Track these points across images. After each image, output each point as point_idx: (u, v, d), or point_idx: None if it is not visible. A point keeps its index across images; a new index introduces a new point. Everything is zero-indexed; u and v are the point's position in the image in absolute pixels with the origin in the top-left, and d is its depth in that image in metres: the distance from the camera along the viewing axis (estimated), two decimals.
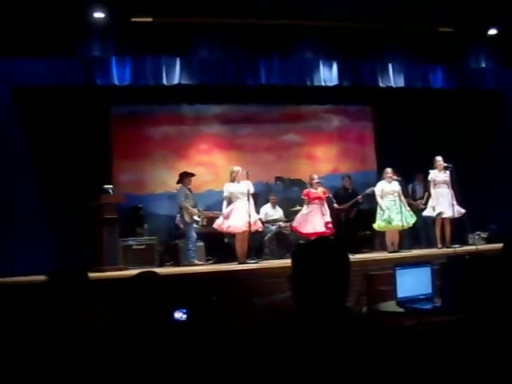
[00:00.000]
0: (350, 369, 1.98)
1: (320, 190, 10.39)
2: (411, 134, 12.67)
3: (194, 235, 10.23)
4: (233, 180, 9.54)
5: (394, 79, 11.29)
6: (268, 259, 10.31)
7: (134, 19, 9.66)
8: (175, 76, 10.26)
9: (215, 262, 10.63)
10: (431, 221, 10.77)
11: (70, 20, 9.28)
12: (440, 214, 10.31)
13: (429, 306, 4.67)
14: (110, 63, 10.01)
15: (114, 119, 11.99)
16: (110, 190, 9.70)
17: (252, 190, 9.56)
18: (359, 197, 11.23)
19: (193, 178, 10.58)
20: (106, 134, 11.72)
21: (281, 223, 11.31)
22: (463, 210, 10.23)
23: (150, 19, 9.73)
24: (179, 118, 12.63)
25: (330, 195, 10.73)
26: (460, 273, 4.28)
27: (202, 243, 10.69)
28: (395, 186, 10.30)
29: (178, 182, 10.55)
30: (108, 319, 2.99)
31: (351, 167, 13.22)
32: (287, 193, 12.44)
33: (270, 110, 13.05)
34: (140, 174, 12.13)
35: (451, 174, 10.24)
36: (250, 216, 9.26)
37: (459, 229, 10.47)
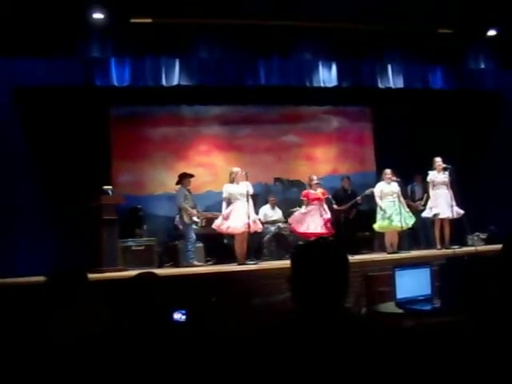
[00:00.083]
0: (349, 370, 1.98)
1: (319, 191, 10.39)
2: (410, 134, 12.68)
3: (194, 236, 10.23)
4: (232, 181, 9.54)
5: (393, 80, 11.29)
6: (267, 260, 10.30)
7: (133, 20, 9.66)
8: (174, 77, 10.26)
9: (214, 263, 10.63)
10: (430, 222, 10.78)
11: (69, 21, 9.28)
12: (436, 214, 10.31)
13: (428, 307, 4.67)
14: (110, 64, 10.00)
15: (113, 120, 11.99)
16: (110, 191, 9.70)
17: (251, 191, 9.56)
18: (358, 198, 11.23)
19: (192, 179, 10.58)
20: (105, 135, 11.72)
21: (280, 224, 11.30)
22: (462, 211, 10.22)
23: (149, 20, 9.73)
24: (178, 119, 12.63)
25: (329, 196, 10.73)
26: (459, 274, 4.29)
27: (201, 244, 10.69)
28: (394, 187, 10.30)
29: (178, 183, 10.55)
30: (107, 320, 2.99)
31: (350, 168, 13.22)
32: (286, 194, 12.45)
33: (269, 110, 13.06)
34: (139, 174, 12.12)
35: (450, 174, 10.24)
36: (249, 217, 9.27)
37: (458, 230, 10.47)
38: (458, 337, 2.41)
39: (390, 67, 11.28)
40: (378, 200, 10.31)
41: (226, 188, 9.52)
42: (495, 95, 12.17)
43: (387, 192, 10.25)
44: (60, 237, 10.24)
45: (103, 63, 10.00)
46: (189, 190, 10.46)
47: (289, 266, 2.26)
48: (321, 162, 13.28)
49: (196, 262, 9.97)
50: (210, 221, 10.63)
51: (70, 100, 10.66)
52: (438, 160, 10.39)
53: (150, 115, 12.38)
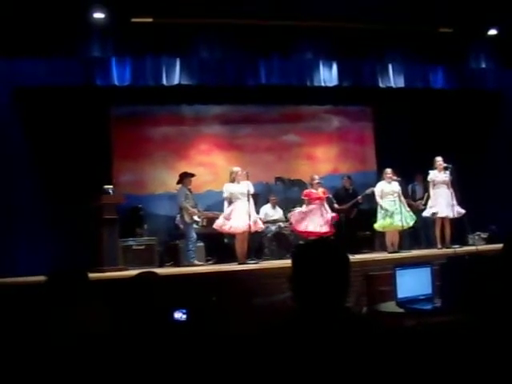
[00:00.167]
0: (350, 369, 1.98)
1: (320, 191, 10.40)
2: (411, 134, 12.67)
3: (194, 235, 10.23)
4: (232, 180, 9.54)
5: (394, 79, 11.28)
6: (268, 259, 10.31)
7: (134, 19, 9.65)
8: (175, 76, 10.26)
9: (215, 263, 10.63)
10: (431, 221, 10.77)
11: (70, 20, 9.28)
12: (435, 213, 10.32)
13: (429, 307, 4.67)
14: (110, 63, 10.00)
15: (113, 119, 11.99)
16: (110, 191, 9.70)
17: (252, 191, 9.56)
18: (359, 197, 11.22)
19: (193, 179, 10.58)
20: (106, 135, 11.72)
21: (281, 223, 11.30)
22: (463, 211, 10.22)
23: (150, 19, 9.73)
24: (179, 119, 12.63)
25: (330, 195, 10.74)
26: (460, 273, 4.29)
27: (201, 244, 10.69)
28: (395, 186, 10.30)
29: (178, 183, 10.55)
30: (108, 320, 2.99)
31: (351, 168, 13.22)
32: (287, 193, 12.43)
33: (269, 110, 13.05)
34: (140, 174, 12.13)
35: (451, 174, 10.24)
36: (250, 216, 9.27)
37: (459, 229, 10.47)
38: (459, 336, 2.41)
39: (390, 67, 11.27)
40: (378, 199, 10.30)
41: (227, 187, 9.52)
42: (496, 95, 12.16)
43: (388, 191, 10.25)
44: (60, 236, 10.24)
45: (104, 63, 10.00)
46: (189, 190, 10.46)
47: (289, 265, 2.26)
48: (321, 162, 13.28)
49: (197, 262, 9.97)
50: (211, 220, 10.64)
51: (70, 100, 10.65)
52: (439, 159, 10.39)
53: (151, 115, 12.38)
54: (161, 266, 10.44)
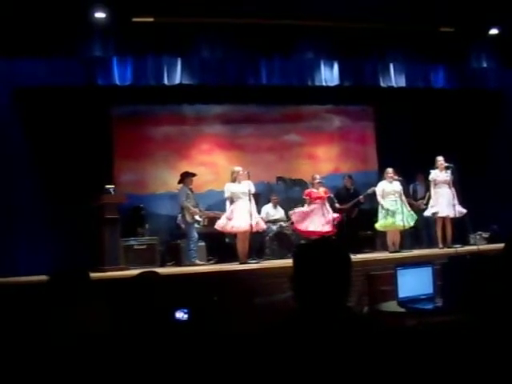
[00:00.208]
0: (351, 369, 1.98)
1: (321, 190, 10.40)
2: (412, 133, 12.66)
3: (196, 235, 10.23)
4: (234, 180, 9.54)
5: (395, 79, 11.28)
6: (269, 259, 10.29)
7: (135, 19, 9.66)
8: (176, 76, 10.26)
9: (216, 262, 10.62)
10: (432, 221, 10.77)
11: (71, 20, 9.28)
12: (435, 213, 10.33)
13: (430, 306, 4.67)
14: (111, 63, 10.01)
15: (115, 119, 12.00)
16: (112, 190, 9.70)
17: (253, 190, 9.57)
18: (360, 197, 11.21)
19: (194, 178, 10.60)
20: (107, 135, 11.73)
21: (282, 223, 11.30)
22: (464, 210, 10.21)
23: (151, 19, 9.73)
24: (180, 118, 12.64)
25: (331, 195, 10.74)
26: (461, 273, 4.29)
27: (203, 243, 10.69)
28: (396, 186, 10.30)
29: (180, 182, 10.56)
30: (108, 319, 2.99)
31: (352, 167, 13.22)
32: (288, 193, 12.43)
33: (271, 110, 13.05)
34: (141, 174, 12.13)
35: (452, 173, 10.24)
36: (251, 216, 9.27)
37: (460, 229, 10.46)
38: (460, 336, 2.41)
39: (391, 66, 11.27)
40: (379, 199, 10.31)
41: (228, 187, 9.52)
42: (497, 94, 12.15)
43: (389, 191, 10.25)
44: (61, 236, 10.25)
45: (105, 62, 10.01)
46: (191, 189, 10.46)
47: (291, 265, 2.26)
48: (323, 161, 13.28)
49: (198, 261, 9.98)
50: (212, 220, 10.64)
51: (71, 100, 10.65)
52: (440, 159, 10.39)
53: (152, 114, 12.39)
54: (162, 265, 10.45)
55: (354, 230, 10.99)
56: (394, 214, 10.13)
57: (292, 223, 10.73)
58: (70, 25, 9.34)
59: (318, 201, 10.28)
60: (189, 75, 10.40)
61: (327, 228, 10.08)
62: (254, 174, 10.01)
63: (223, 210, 9.78)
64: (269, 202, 11.71)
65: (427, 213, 10.59)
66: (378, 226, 10.44)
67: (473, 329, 2.41)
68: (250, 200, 9.39)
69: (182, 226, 10.60)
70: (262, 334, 2.17)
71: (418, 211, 10.90)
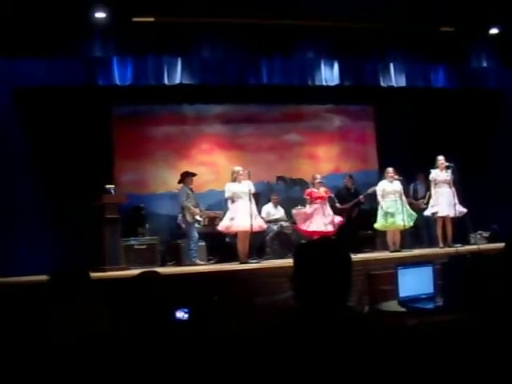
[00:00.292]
0: (352, 368, 1.98)
1: (322, 190, 10.40)
2: (413, 133, 12.66)
3: (196, 235, 10.23)
4: (234, 180, 9.54)
5: (395, 79, 11.28)
6: (269, 259, 10.29)
7: (135, 19, 9.66)
8: (177, 76, 10.26)
9: (217, 262, 10.62)
10: (433, 220, 10.77)
11: (71, 20, 9.28)
12: (435, 213, 10.33)
13: (430, 306, 4.67)
14: (112, 63, 10.01)
15: (115, 119, 12.00)
16: (112, 190, 9.70)
17: (253, 190, 9.57)
18: (361, 196, 11.21)
19: (194, 178, 10.60)
20: (107, 134, 11.73)
21: (282, 223, 11.30)
22: (465, 210, 10.21)
23: (151, 19, 9.74)
24: (181, 118, 12.64)
25: (332, 195, 10.74)
26: (462, 272, 4.27)
27: (203, 243, 10.68)
28: (397, 185, 10.30)
29: (180, 182, 10.56)
30: (108, 319, 2.99)
31: (352, 167, 13.22)
32: (289, 192, 12.45)
33: (271, 109, 13.06)
34: (142, 173, 12.14)
35: (453, 173, 10.24)
36: (251, 216, 9.27)
37: (461, 228, 10.47)
38: (461, 335, 2.40)
39: (392, 66, 11.27)
40: (379, 199, 10.32)
41: (229, 187, 9.52)
42: (497, 94, 12.15)
43: (389, 191, 10.26)
44: (62, 236, 10.25)
45: (105, 62, 10.01)
46: (191, 189, 10.46)
47: (291, 264, 2.26)
48: (323, 161, 13.28)
49: (198, 261, 9.98)
50: (213, 220, 10.66)
51: (71, 100, 10.65)
52: (441, 158, 10.39)
53: (152, 114, 12.39)
54: (163, 265, 10.46)
55: (354, 229, 11.00)
56: (393, 215, 10.14)
57: (294, 223, 10.73)
58: (70, 25, 9.34)
59: (318, 201, 10.28)
60: (189, 75, 10.40)
61: (330, 228, 10.07)
62: (255, 174, 10.02)
63: (223, 209, 9.78)
64: (269, 201, 11.72)
65: (427, 212, 10.59)
66: (376, 225, 10.45)
67: (473, 328, 2.41)
68: (250, 200, 9.39)
69: (183, 225, 10.60)
70: (262, 334, 2.17)
71: (419, 211, 10.90)
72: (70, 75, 9.74)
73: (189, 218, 10.18)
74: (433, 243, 10.94)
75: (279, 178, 12.66)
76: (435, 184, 10.38)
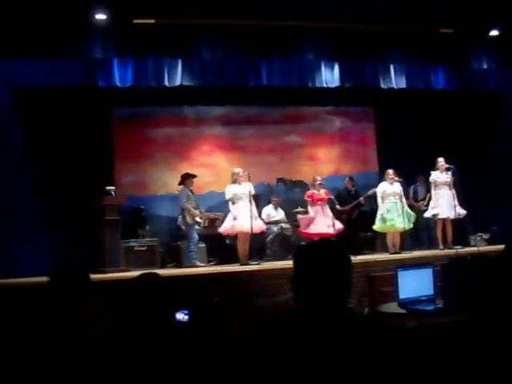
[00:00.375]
0: (352, 370, 1.98)
1: (322, 192, 10.41)
2: (413, 135, 12.66)
3: (196, 237, 10.23)
4: (234, 181, 9.55)
5: (395, 80, 11.28)
6: (270, 260, 10.29)
7: (135, 21, 9.66)
8: (177, 77, 10.26)
9: (217, 264, 10.62)
10: (433, 222, 10.78)
11: (71, 21, 9.28)
12: (435, 215, 10.33)
13: (430, 307, 4.67)
14: (112, 65, 10.00)
15: (115, 121, 12.00)
16: (112, 192, 9.72)
17: (253, 192, 9.58)
18: (361, 198, 11.20)
19: (194, 180, 10.59)
20: (107, 136, 11.73)
21: (283, 224, 11.30)
22: (465, 211, 10.22)
23: (151, 21, 9.73)
24: (181, 120, 12.63)
25: (332, 197, 10.74)
26: (462, 274, 4.28)
27: (203, 245, 10.67)
28: (397, 187, 10.31)
29: (180, 184, 10.56)
30: (108, 320, 2.99)
31: (353, 168, 13.21)
32: (289, 194, 12.46)
33: (271, 111, 13.06)
34: (142, 175, 12.13)
35: (453, 175, 10.24)
36: (251, 217, 9.27)
37: (461, 230, 10.46)
38: (461, 337, 2.41)
39: (392, 67, 11.27)
40: (379, 200, 10.32)
41: (229, 189, 9.53)
42: (497, 95, 12.14)
43: (390, 193, 10.27)
44: (62, 237, 10.24)
45: (105, 64, 10.00)
46: (191, 191, 10.46)
47: (291, 266, 2.26)
48: (323, 163, 13.28)
49: (198, 263, 9.97)
50: (213, 221, 10.65)
51: (72, 101, 10.65)
52: (441, 160, 10.39)
53: (153, 116, 12.39)
54: (163, 267, 10.44)
55: (354, 231, 10.99)
56: (390, 219, 10.15)
57: (295, 225, 10.73)
58: (70, 26, 9.34)
59: (319, 202, 10.29)
60: (189, 76, 10.39)
61: (331, 230, 10.04)
62: (255, 175, 10.04)
63: (224, 211, 9.78)
64: (269, 203, 11.72)
65: (428, 214, 10.60)
66: (374, 227, 10.47)
67: (473, 330, 2.41)
68: (250, 202, 9.40)
69: (183, 227, 10.59)
70: (262, 336, 2.17)
71: (419, 212, 10.91)
72: (70, 76, 9.74)
73: (189, 219, 10.17)
74: (433, 245, 10.94)
75: (279, 180, 12.67)
76: (435, 186, 10.38)
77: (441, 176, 10.34)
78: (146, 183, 12.16)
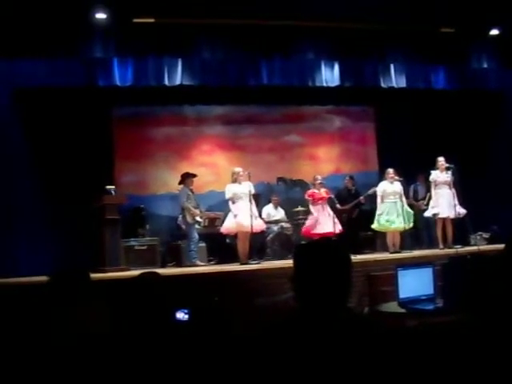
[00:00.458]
0: (352, 369, 1.98)
1: (323, 191, 10.41)
2: (413, 134, 12.66)
3: (196, 236, 10.23)
4: (234, 181, 9.55)
5: (395, 80, 11.28)
6: (270, 260, 10.29)
7: (135, 20, 9.66)
8: (177, 77, 10.26)
9: (217, 263, 10.62)
10: (433, 221, 10.77)
11: (71, 21, 9.28)
12: (435, 214, 10.33)
13: (431, 307, 4.67)
14: (112, 64, 10.01)
15: (115, 120, 12.00)
16: (112, 191, 9.71)
17: (253, 191, 9.58)
18: (361, 197, 11.20)
19: (195, 179, 10.59)
20: (107, 135, 11.74)
21: (283, 224, 11.30)
22: (465, 211, 10.22)
23: (151, 20, 9.74)
24: (181, 119, 12.64)
25: (332, 196, 10.74)
26: (462, 273, 4.28)
27: (203, 244, 10.68)
28: (397, 186, 10.31)
29: (180, 183, 10.56)
30: (108, 320, 2.99)
31: (353, 168, 13.21)
32: (289, 193, 12.45)
33: (271, 110, 13.06)
34: (142, 174, 12.13)
35: (453, 174, 10.24)
36: (251, 217, 9.27)
37: (461, 229, 10.46)
38: (461, 336, 2.41)
39: (392, 67, 11.27)
40: (378, 200, 10.32)
41: (229, 188, 9.53)
42: (498, 95, 12.14)
43: (390, 192, 10.27)
44: (62, 237, 10.25)
45: (106, 63, 10.01)
46: (191, 190, 10.46)
47: (291, 265, 2.26)
48: (323, 162, 13.28)
49: (199, 262, 9.97)
50: (213, 220, 10.66)
51: (72, 100, 10.65)
52: (441, 160, 10.39)
53: (153, 115, 12.39)
54: (163, 266, 10.46)
55: (354, 230, 10.99)
56: (387, 220, 10.15)
57: (296, 225, 10.72)
58: (70, 25, 9.34)
59: (320, 202, 10.30)
60: (189, 76, 10.39)
61: (336, 229, 10.01)
62: (255, 175, 10.03)
63: (224, 210, 9.77)
64: (269, 202, 11.72)
65: (428, 213, 10.60)
66: (373, 226, 10.48)
67: (473, 329, 2.41)
68: (250, 201, 9.40)
69: (183, 226, 10.59)
70: (262, 335, 2.17)
71: (419, 212, 10.91)
72: (70, 76, 9.74)
73: (189, 218, 10.17)
74: (433, 244, 10.94)
75: (279, 179, 12.66)
76: (435, 185, 10.37)
77: (441, 175, 10.34)
78: (146, 182, 12.16)
